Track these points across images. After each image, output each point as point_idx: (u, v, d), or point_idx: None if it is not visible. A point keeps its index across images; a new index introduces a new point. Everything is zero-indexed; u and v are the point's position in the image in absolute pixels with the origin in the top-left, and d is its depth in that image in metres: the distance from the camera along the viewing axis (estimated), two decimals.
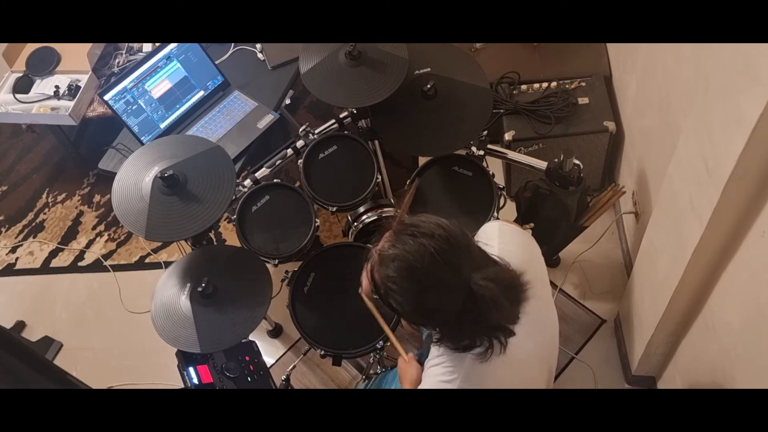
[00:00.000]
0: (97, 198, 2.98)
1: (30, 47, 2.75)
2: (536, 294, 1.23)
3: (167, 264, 2.67)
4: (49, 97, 2.63)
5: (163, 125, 2.38)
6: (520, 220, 2.12)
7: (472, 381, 1.12)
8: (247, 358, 1.87)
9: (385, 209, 2.08)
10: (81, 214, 2.94)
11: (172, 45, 2.36)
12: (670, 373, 1.90)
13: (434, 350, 1.21)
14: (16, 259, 2.86)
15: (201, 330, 1.72)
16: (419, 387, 1.23)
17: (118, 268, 2.74)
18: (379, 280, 1.07)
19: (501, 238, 1.25)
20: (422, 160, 2.07)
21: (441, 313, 1.05)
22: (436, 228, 1.03)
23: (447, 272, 1.00)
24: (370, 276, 1.11)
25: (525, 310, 1.14)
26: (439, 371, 1.16)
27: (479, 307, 1.00)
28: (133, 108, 2.32)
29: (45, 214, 2.97)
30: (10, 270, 2.83)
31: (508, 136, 2.29)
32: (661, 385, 1.99)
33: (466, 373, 1.12)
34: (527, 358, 1.19)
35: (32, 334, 2.60)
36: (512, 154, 2.11)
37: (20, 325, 2.64)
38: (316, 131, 2.05)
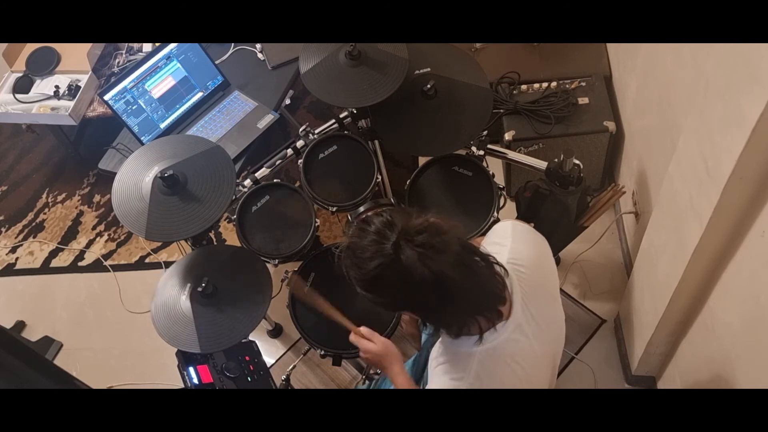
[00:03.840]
0: (97, 198, 2.98)
1: (30, 47, 2.75)
2: (545, 293, 1.24)
3: (167, 264, 2.67)
4: (49, 97, 2.63)
5: (163, 125, 2.38)
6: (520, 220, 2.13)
7: (482, 381, 1.13)
8: (247, 358, 1.87)
9: (385, 209, 2.07)
10: (81, 214, 2.94)
11: (172, 45, 2.36)
12: (670, 373, 1.90)
13: (436, 349, 1.21)
14: (16, 259, 2.86)
15: (201, 330, 1.72)
16: (428, 387, 1.23)
17: (118, 268, 2.74)
18: (344, 272, 1.12)
19: (514, 236, 1.25)
20: (422, 160, 2.07)
21: (390, 285, 1.06)
22: (378, 216, 1.09)
23: (375, 243, 1.05)
24: (343, 272, 1.14)
25: (533, 311, 1.16)
26: (447, 369, 1.16)
27: (408, 266, 1.02)
28: (133, 108, 2.32)
29: (45, 214, 2.97)
30: (10, 270, 2.83)
31: (508, 136, 2.29)
32: (661, 385, 1.99)
33: (476, 373, 1.13)
34: (536, 356, 1.19)
35: (32, 334, 2.60)
36: (512, 154, 2.11)
37: (20, 325, 2.64)
38: (316, 131, 2.05)
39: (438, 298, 1.05)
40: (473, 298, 1.08)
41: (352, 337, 1.44)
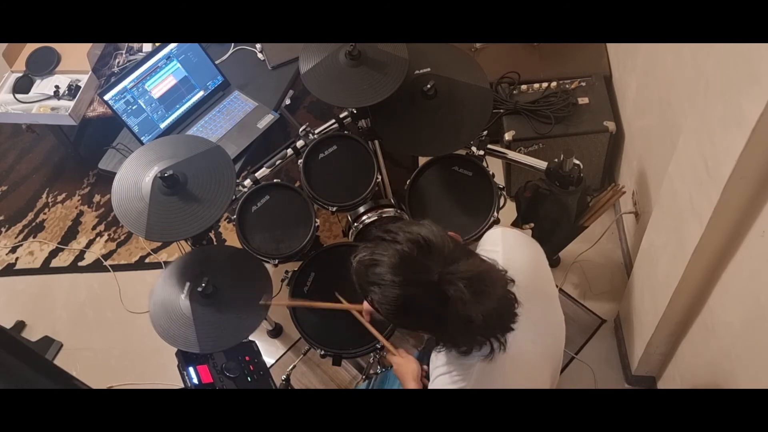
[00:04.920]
0: (97, 198, 2.98)
1: (30, 47, 2.74)
2: (542, 297, 1.23)
3: (167, 264, 2.66)
4: (49, 97, 2.63)
5: (163, 125, 2.38)
6: (520, 220, 2.12)
7: (483, 386, 1.13)
8: (247, 358, 1.87)
9: (385, 209, 2.08)
10: (81, 214, 2.94)
11: (172, 45, 2.36)
12: (670, 373, 1.90)
13: (437, 357, 1.21)
14: (16, 259, 2.86)
15: (201, 330, 1.72)
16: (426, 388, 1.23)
17: (118, 268, 2.73)
18: (362, 285, 1.10)
19: (504, 243, 1.25)
20: (422, 160, 2.07)
21: (419, 314, 1.06)
22: (408, 232, 1.06)
23: (416, 272, 1.02)
24: (357, 284, 1.12)
25: (530, 315, 1.15)
26: (447, 380, 1.16)
27: (449, 303, 1.01)
28: (133, 108, 2.31)
29: (45, 214, 2.97)
30: (10, 270, 2.83)
31: (508, 136, 2.29)
32: (661, 385, 1.99)
33: (476, 380, 1.12)
34: (536, 361, 1.19)
35: (32, 334, 2.60)
36: (512, 154, 2.11)
37: (20, 325, 2.64)
38: (316, 131, 2.05)
39: (458, 325, 1.04)
40: (491, 323, 1.07)
41: (389, 357, 1.54)
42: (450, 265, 1.02)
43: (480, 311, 1.02)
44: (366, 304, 1.46)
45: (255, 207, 1.94)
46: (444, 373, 1.17)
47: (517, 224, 2.14)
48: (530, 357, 1.17)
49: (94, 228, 2.88)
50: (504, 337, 1.10)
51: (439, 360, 1.20)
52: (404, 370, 1.44)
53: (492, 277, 1.06)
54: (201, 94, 2.44)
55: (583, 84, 2.35)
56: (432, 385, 1.21)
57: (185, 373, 1.73)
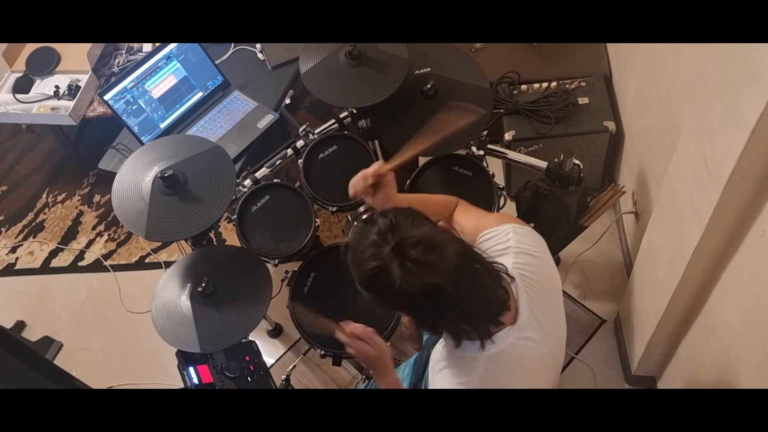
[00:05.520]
0: (97, 198, 2.98)
1: (30, 47, 2.75)
2: (551, 296, 1.23)
3: (167, 264, 2.67)
4: (49, 97, 2.63)
5: (163, 125, 2.38)
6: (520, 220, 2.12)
7: (487, 384, 1.13)
8: (247, 358, 1.87)
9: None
10: (81, 214, 2.94)
11: (172, 45, 2.36)
12: (670, 373, 1.90)
13: (438, 352, 1.21)
14: (16, 259, 2.86)
15: (201, 330, 1.72)
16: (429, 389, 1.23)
17: (118, 268, 2.74)
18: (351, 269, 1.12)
19: (516, 240, 1.23)
20: (422, 160, 2.08)
21: (388, 290, 1.05)
22: (380, 213, 1.09)
23: (374, 243, 1.05)
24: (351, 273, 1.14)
25: (538, 313, 1.15)
26: (451, 374, 1.16)
27: (406, 273, 1.01)
28: (133, 108, 2.31)
29: (45, 214, 2.97)
30: (10, 270, 2.83)
31: (508, 136, 2.29)
32: (661, 385, 1.99)
33: (481, 377, 1.12)
34: (541, 360, 1.19)
35: (32, 334, 2.60)
36: (512, 154, 2.11)
37: (20, 325, 2.64)
38: (316, 131, 2.05)
39: (431, 307, 1.04)
40: (472, 308, 1.07)
41: (342, 337, 1.30)
42: (401, 244, 1.03)
43: (430, 280, 1.01)
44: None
45: (255, 207, 1.95)
46: (446, 367, 1.17)
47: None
48: (536, 355, 1.17)
49: (94, 228, 2.88)
50: (493, 329, 1.10)
51: (440, 354, 1.20)
52: (376, 358, 1.31)
53: (438, 242, 1.04)
54: (201, 94, 2.44)
55: (583, 84, 2.35)
56: (433, 380, 1.21)
57: (185, 373, 1.73)
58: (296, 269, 1.97)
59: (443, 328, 1.13)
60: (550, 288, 1.24)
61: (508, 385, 1.14)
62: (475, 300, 1.07)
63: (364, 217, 1.13)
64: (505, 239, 1.23)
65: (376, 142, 2.05)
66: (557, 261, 2.38)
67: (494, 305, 1.10)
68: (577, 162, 1.91)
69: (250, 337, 1.89)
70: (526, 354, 1.14)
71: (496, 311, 1.10)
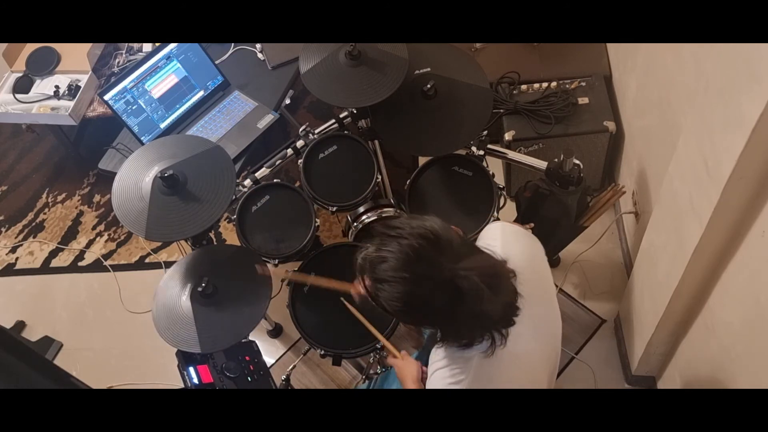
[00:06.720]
0: (97, 198, 2.98)
1: (30, 47, 2.75)
2: (541, 292, 1.23)
3: (167, 264, 2.67)
4: (49, 97, 2.63)
5: (163, 125, 2.38)
6: (520, 220, 2.12)
7: (481, 382, 1.13)
8: (247, 358, 1.87)
9: (385, 209, 2.08)
10: (81, 214, 2.94)
11: (172, 45, 2.36)
12: (670, 373, 1.90)
13: (437, 353, 1.21)
14: (16, 259, 2.86)
15: (201, 330, 1.72)
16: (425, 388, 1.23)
17: (118, 268, 2.74)
18: (369, 284, 1.08)
19: (503, 238, 1.26)
20: (422, 160, 2.07)
21: (430, 310, 1.05)
22: (414, 227, 1.04)
23: (427, 267, 1.01)
24: (362, 282, 1.11)
25: (529, 311, 1.15)
26: (446, 374, 1.16)
27: (464, 298, 1.00)
28: (133, 108, 2.31)
29: (45, 214, 2.97)
30: (10, 270, 2.83)
31: (508, 136, 2.29)
32: (661, 384, 1.99)
33: (474, 375, 1.12)
34: (533, 358, 1.19)
35: (32, 334, 2.60)
36: (512, 154, 2.11)
37: (20, 325, 2.64)
38: (316, 131, 2.05)
39: (468, 320, 1.04)
40: (496, 316, 1.07)
41: (390, 360, 1.53)
42: (460, 260, 1.01)
43: (497, 306, 1.02)
44: (356, 292, 1.44)
45: (255, 207, 1.95)
46: (442, 367, 1.17)
47: (517, 224, 2.14)
48: (529, 353, 1.17)
49: (94, 228, 2.88)
50: (506, 330, 1.10)
51: (438, 355, 1.20)
52: (405, 372, 1.44)
53: (501, 272, 1.06)
54: (201, 94, 2.44)
55: (583, 84, 2.35)
56: (430, 380, 1.21)
57: (185, 373, 1.73)
58: (296, 269, 1.97)
59: (461, 335, 1.11)
60: (541, 285, 1.25)
61: (502, 383, 1.14)
62: (501, 309, 1.07)
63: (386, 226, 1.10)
64: (493, 237, 1.26)
65: (376, 142, 2.05)
66: (557, 261, 2.38)
67: (510, 309, 1.10)
68: (577, 162, 1.91)
69: (250, 337, 1.89)
70: (519, 350, 1.14)
71: (510, 315, 1.11)
